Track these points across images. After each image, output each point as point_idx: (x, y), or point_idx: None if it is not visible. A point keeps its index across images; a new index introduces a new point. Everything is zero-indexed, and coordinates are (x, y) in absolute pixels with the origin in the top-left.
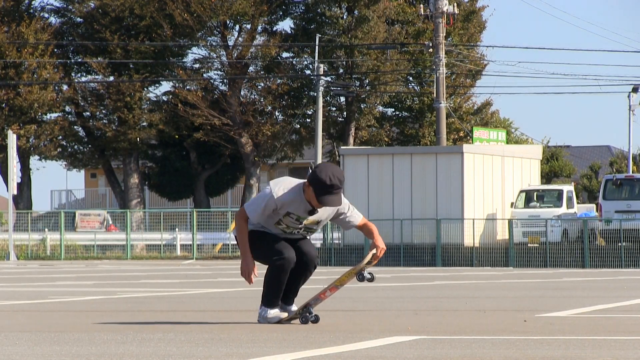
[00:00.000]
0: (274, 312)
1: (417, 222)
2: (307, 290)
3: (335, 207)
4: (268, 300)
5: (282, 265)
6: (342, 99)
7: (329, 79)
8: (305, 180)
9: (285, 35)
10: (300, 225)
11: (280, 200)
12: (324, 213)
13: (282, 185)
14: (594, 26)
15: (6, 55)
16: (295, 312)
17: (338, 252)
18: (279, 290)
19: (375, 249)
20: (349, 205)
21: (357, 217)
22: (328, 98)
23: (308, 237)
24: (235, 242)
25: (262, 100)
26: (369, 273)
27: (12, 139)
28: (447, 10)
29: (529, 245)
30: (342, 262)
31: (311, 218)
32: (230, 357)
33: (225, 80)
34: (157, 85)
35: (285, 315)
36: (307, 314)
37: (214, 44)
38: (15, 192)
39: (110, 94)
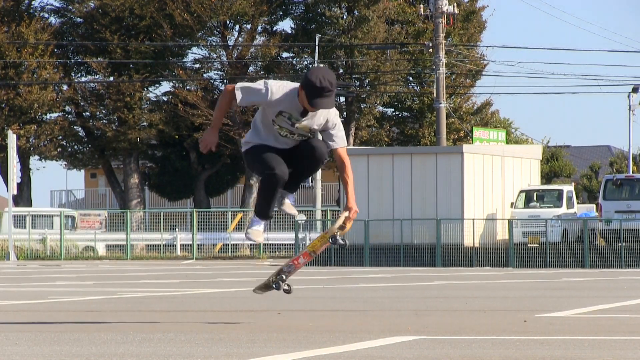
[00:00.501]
0: (255, 230)
1: (417, 222)
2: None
3: (327, 109)
4: (257, 210)
5: (270, 177)
6: (342, 99)
7: None
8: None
9: (285, 35)
10: (293, 129)
11: (275, 92)
12: (317, 119)
13: (280, 81)
14: (594, 26)
15: (6, 55)
16: (271, 278)
17: (338, 252)
18: (267, 202)
19: (347, 211)
20: (339, 124)
21: (341, 141)
22: None
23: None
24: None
25: None
26: (342, 239)
27: (12, 139)
28: (447, 10)
29: (529, 245)
30: (342, 262)
31: (304, 123)
32: (230, 357)
33: (225, 80)
34: (157, 85)
35: (259, 238)
36: (280, 282)
37: (214, 44)
38: (15, 192)
39: (110, 94)
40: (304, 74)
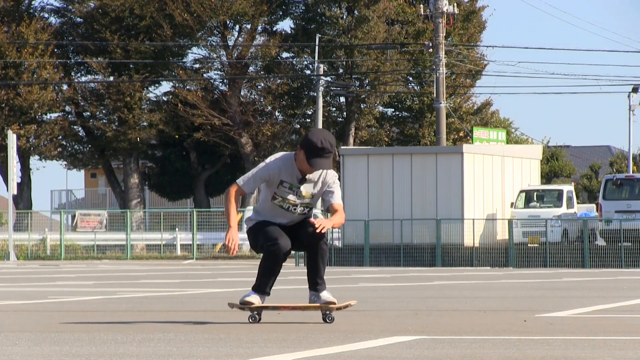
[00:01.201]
0: (252, 297)
1: (417, 222)
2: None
3: (325, 171)
4: (256, 284)
5: (273, 250)
6: (342, 99)
7: (329, 79)
8: (297, 151)
9: (285, 35)
10: (295, 198)
11: (271, 165)
12: (316, 183)
13: (275, 155)
14: (594, 26)
15: (6, 55)
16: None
17: (338, 252)
18: (268, 277)
19: (320, 220)
20: (336, 180)
21: (337, 196)
22: (328, 98)
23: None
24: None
25: (262, 100)
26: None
27: (12, 139)
28: (447, 10)
29: (529, 245)
30: (342, 262)
31: (305, 190)
32: (230, 357)
33: (225, 80)
34: (157, 85)
35: (256, 302)
36: (257, 316)
37: (214, 44)
38: (15, 192)
39: (110, 94)
40: (305, 135)
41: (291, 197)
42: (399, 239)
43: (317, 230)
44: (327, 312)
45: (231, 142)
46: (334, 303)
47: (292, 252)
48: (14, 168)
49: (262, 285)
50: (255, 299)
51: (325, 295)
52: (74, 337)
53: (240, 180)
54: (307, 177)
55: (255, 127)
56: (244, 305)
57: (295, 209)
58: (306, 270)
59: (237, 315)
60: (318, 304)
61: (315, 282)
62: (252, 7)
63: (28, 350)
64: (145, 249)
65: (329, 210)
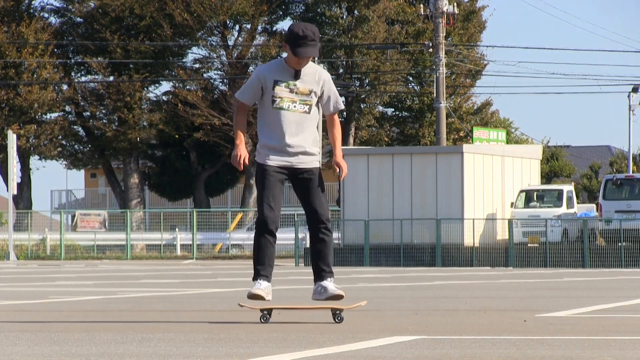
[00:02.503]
0: (257, 289)
1: (417, 222)
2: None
3: (312, 56)
4: (254, 268)
5: (258, 225)
6: (342, 99)
7: None
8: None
9: (286, 33)
10: (294, 96)
11: (259, 69)
12: (312, 79)
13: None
14: (594, 26)
15: (6, 55)
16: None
17: (338, 252)
18: (258, 257)
19: (339, 169)
20: (333, 89)
21: (333, 103)
22: None
23: (320, 191)
24: (234, 242)
25: None
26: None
27: (12, 139)
28: (447, 10)
29: (529, 245)
30: (342, 262)
31: (300, 86)
32: (230, 357)
33: (225, 80)
34: (157, 85)
35: (264, 294)
36: (268, 316)
37: (213, 43)
38: (15, 192)
39: (110, 94)
40: (287, 30)
41: (289, 95)
42: (399, 239)
43: (341, 178)
44: (337, 312)
45: (231, 142)
46: (342, 296)
47: (293, 252)
48: (14, 168)
49: (256, 266)
50: (261, 291)
51: (331, 287)
52: (74, 337)
53: (237, 94)
54: (301, 72)
55: (255, 127)
56: (253, 298)
57: (295, 106)
58: (310, 259)
59: (237, 315)
60: (327, 306)
61: (320, 269)
62: (252, 7)
63: (28, 350)
64: (145, 249)
65: (326, 123)
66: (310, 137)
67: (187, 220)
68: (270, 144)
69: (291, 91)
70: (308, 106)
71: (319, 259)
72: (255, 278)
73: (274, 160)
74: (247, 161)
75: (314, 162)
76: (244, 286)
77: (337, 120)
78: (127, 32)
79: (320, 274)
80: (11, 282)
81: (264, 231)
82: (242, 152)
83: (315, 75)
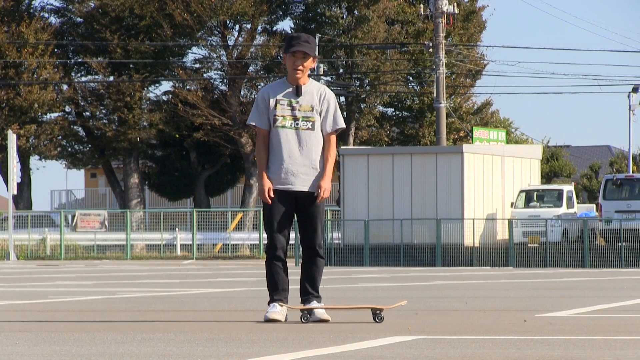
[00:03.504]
0: (270, 312)
1: (417, 222)
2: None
3: (305, 51)
4: (268, 293)
5: (267, 251)
6: (342, 99)
7: (329, 79)
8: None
9: (285, 35)
10: (297, 113)
11: (264, 89)
12: (314, 95)
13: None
14: (594, 26)
15: (6, 55)
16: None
17: (338, 252)
18: (270, 283)
19: (319, 189)
20: (334, 107)
21: (330, 123)
22: None
23: (317, 210)
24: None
25: None
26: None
27: (12, 139)
28: (447, 10)
29: (529, 245)
30: (342, 262)
31: (303, 102)
32: (230, 357)
33: (225, 80)
34: (157, 85)
35: (281, 317)
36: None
37: (214, 43)
38: (15, 192)
39: (110, 94)
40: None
41: (291, 113)
42: (399, 239)
43: (318, 201)
44: (378, 312)
45: (231, 142)
46: (328, 321)
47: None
48: (14, 168)
49: (269, 292)
50: (277, 314)
51: (319, 312)
52: (74, 337)
53: (250, 121)
54: (302, 89)
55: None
56: (270, 322)
57: (297, 124)
58: (300, 277)
59: (237, 315)
60: (368, 306)
61: (307, 292)
62: (252, 7)
63: (28, 350)
64: (145, 249)
65: (323, 141)
66: (316, 155)
67: (187, 220)
68: (274, 166)
69: (293, 109)
70: (311, 123)
71: (308, 282)
72: (270, 302)
73: (278, 184)
74: (271, 193)
75: (316, 182)
76: (244, 286)
77: (333, 142)
78: (127, 32)
79: (307, 297)
80: (11, 282)
81: (272, 257)
82: (267, 184)
83: (317, 92)
